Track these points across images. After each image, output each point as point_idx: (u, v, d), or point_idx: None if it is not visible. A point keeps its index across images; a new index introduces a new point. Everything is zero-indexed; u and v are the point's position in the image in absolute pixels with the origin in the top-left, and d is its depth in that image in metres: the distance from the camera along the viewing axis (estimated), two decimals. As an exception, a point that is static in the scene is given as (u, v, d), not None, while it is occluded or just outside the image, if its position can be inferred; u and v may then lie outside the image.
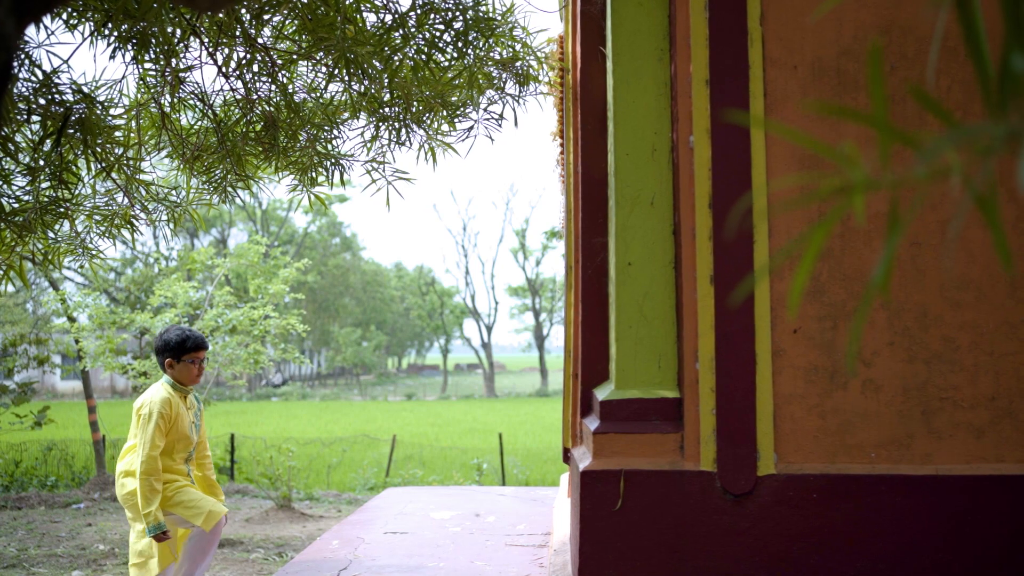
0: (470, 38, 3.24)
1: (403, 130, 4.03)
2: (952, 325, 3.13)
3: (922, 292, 3.14)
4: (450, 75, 3.65)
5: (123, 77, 3.70)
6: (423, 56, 3.30)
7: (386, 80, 3.69)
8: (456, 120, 3.93)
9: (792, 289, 2.82)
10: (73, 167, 3.67)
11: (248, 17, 3.63)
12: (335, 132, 4.11)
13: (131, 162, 3.96)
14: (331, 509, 10.07)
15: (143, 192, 4.06)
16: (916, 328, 3.13)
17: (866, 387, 3.13)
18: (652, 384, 3.26)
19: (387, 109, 3.99)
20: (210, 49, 3.51)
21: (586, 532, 3.15)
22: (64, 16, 3.32)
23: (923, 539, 3.04)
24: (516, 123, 3.88)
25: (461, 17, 3.21)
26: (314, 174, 4.22)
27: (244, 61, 3.72)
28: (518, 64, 3.77)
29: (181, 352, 4.71)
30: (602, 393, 3.33)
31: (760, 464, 3.11)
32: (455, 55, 3.32)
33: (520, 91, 3.82)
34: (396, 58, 3.27)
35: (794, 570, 3.08)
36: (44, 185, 3.62)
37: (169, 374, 4.73)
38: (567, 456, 4.17)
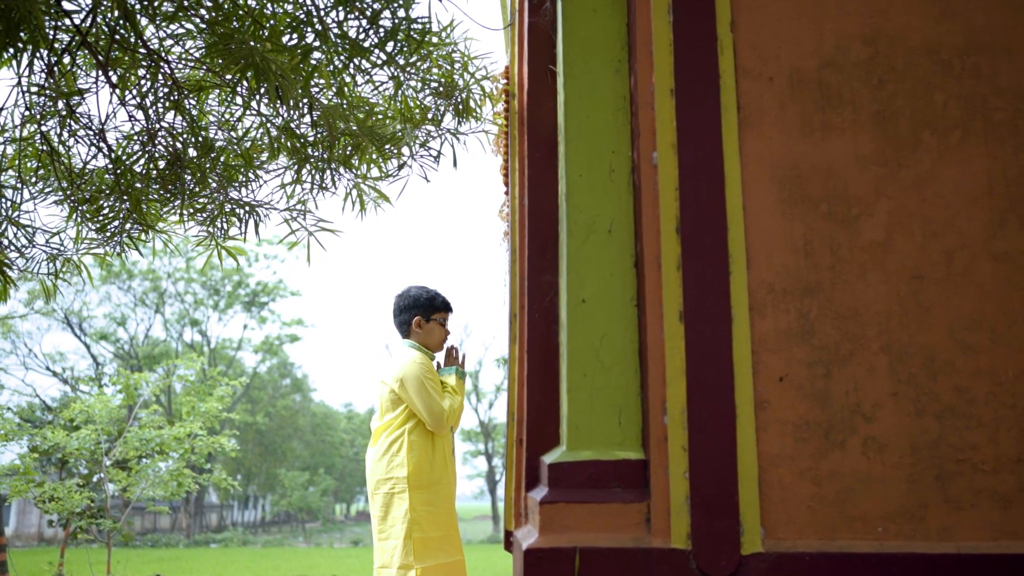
0: (399, 40, 2.80)
1: (327, 172, 3.55)
2: (965, 372, 2.62)
3: (928, 333, 2.65)
4: (381, 97, 3.20)
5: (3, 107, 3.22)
6: (346, 62, 2.85)
7: (305, 107, 3.23)
8: (388, 158, 3.45)
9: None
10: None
11: (151, 30, 3.19)
12: (251, 175, 3.61)
13: (7, 202, 3.43)
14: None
15: (22, 237, 3.51)
16: (923, 376, 2.62)
17: (868, 446, 2.59)
18: (611, 444, 2.68)
19: (311, 150, 3.51)
20: (102, 58, 3.03)
21: (530, 628, 2.50)
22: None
23: (946, 636, 2.44)
24: (455, 163, 3.41)
25: (390, 16, 2.78)
26: (225, 224, 3.70)
27: (145, 81, 3.25)
28: (457, 94, 3.33)
29: (431, 310, 4.18)
30: (551, 457, 2.74)
31: (744, 540, 2.52)
32: (383, 58, 2.87)
33: (459, 123, 3.37)
34: (314, 60, 2.81)
35: None
36: None
37: (414, 337, 4.17)
38: (509, 541, 3.53)
